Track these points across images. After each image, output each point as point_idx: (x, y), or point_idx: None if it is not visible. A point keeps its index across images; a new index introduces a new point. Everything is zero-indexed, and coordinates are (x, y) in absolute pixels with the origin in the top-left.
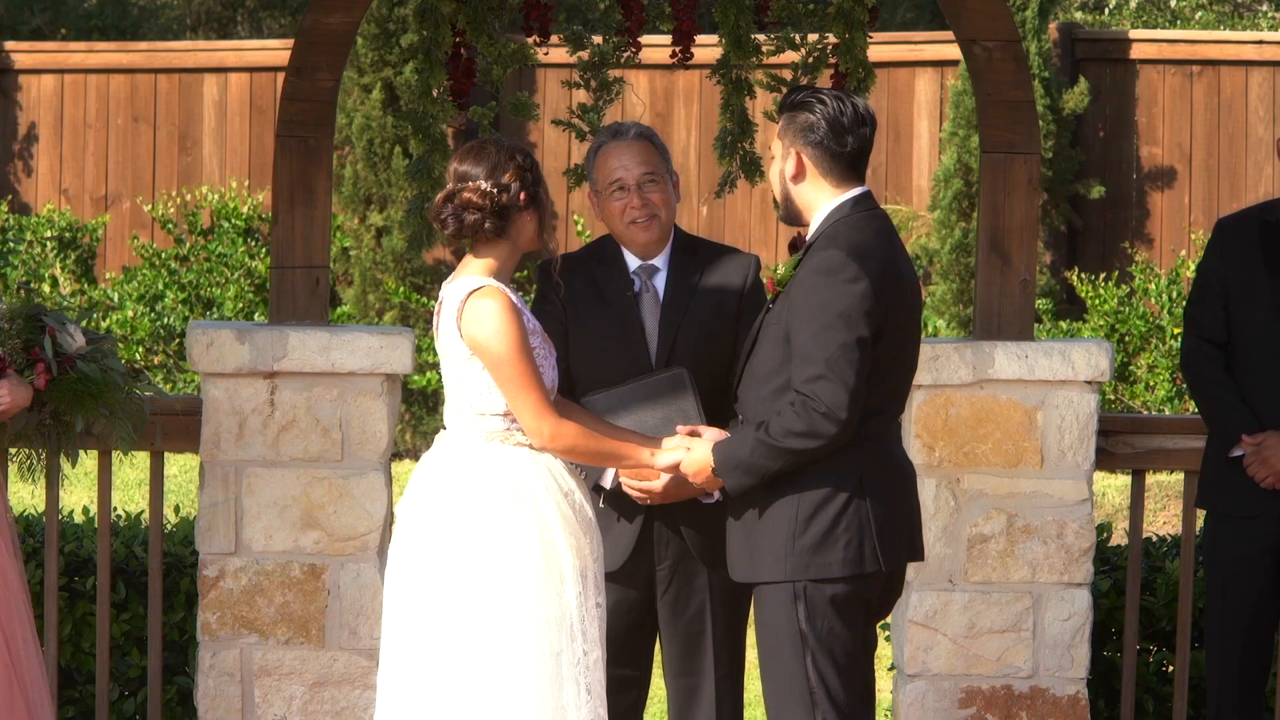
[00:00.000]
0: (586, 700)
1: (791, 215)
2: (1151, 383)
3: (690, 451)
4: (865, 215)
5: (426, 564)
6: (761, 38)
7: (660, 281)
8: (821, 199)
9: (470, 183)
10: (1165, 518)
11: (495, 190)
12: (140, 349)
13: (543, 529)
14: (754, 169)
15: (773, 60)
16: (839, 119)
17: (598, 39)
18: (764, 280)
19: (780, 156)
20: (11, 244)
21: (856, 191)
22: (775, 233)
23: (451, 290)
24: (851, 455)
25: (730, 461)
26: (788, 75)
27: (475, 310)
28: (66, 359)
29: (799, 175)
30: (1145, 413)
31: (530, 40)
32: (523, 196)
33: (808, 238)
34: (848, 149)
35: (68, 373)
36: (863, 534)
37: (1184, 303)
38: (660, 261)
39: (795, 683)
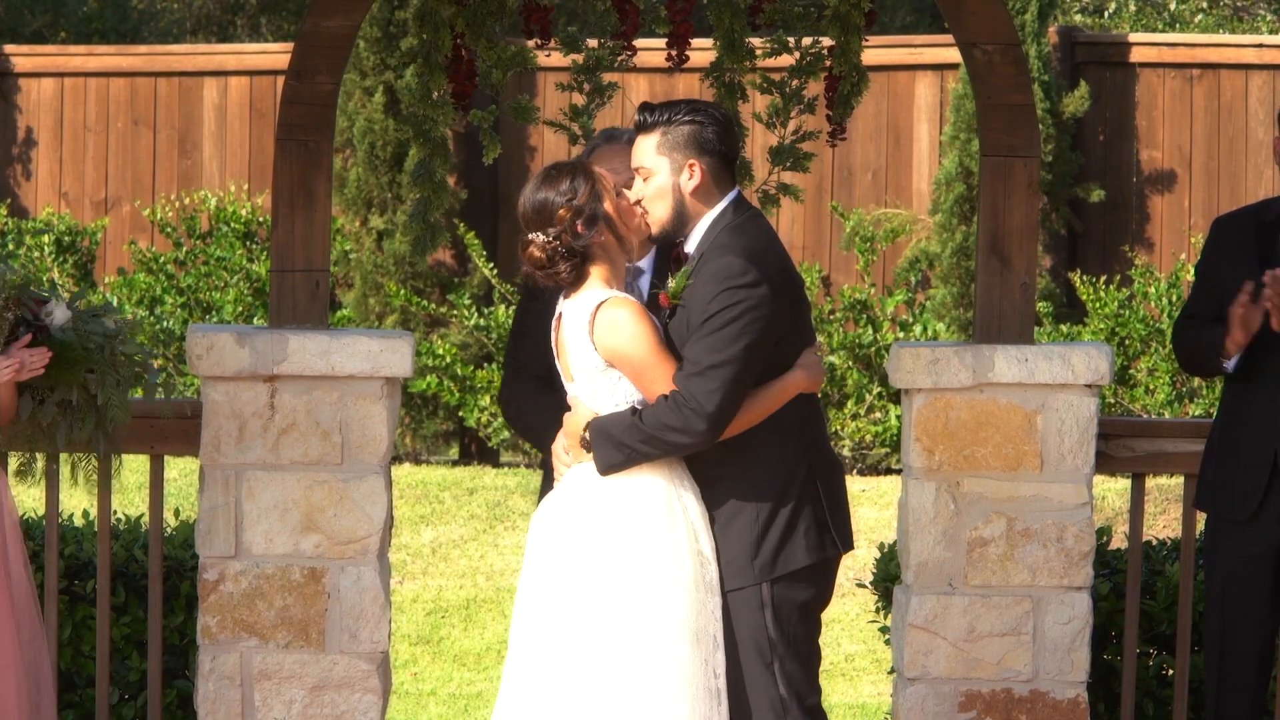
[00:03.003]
0: (720, 709)
1: (677, 230)
2: (1151, 386)
3: (568, 420)
4: (748, 219)
5: (578, 577)
6: (756, 41)
7: (645, 284)
8: (708, 207)
9: (535, 238)
10: (1165, 521)
11: (555, 239)
12: (141, 337)
13: (692, 539)
14: (744, 171)
15: (767, 64)
16: (726, 125)
17: (593, 42)
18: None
19: (670, 172)
20: (10, 247)
21: (733, 195)
22: None
23: (574, 305)
24: (798, 453)
25: (605, 432)
26: (781, 79)
27: (609, 319)
28: (42, 329)
29: (699, 187)
30: (1145, 416)
31: (530, 44)
32: (580, 228)
33: (690, 248)
34: (735, 153)
35: (38, 342)
36: (820, 524)
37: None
38: (645, 264)
39: (764, 690)
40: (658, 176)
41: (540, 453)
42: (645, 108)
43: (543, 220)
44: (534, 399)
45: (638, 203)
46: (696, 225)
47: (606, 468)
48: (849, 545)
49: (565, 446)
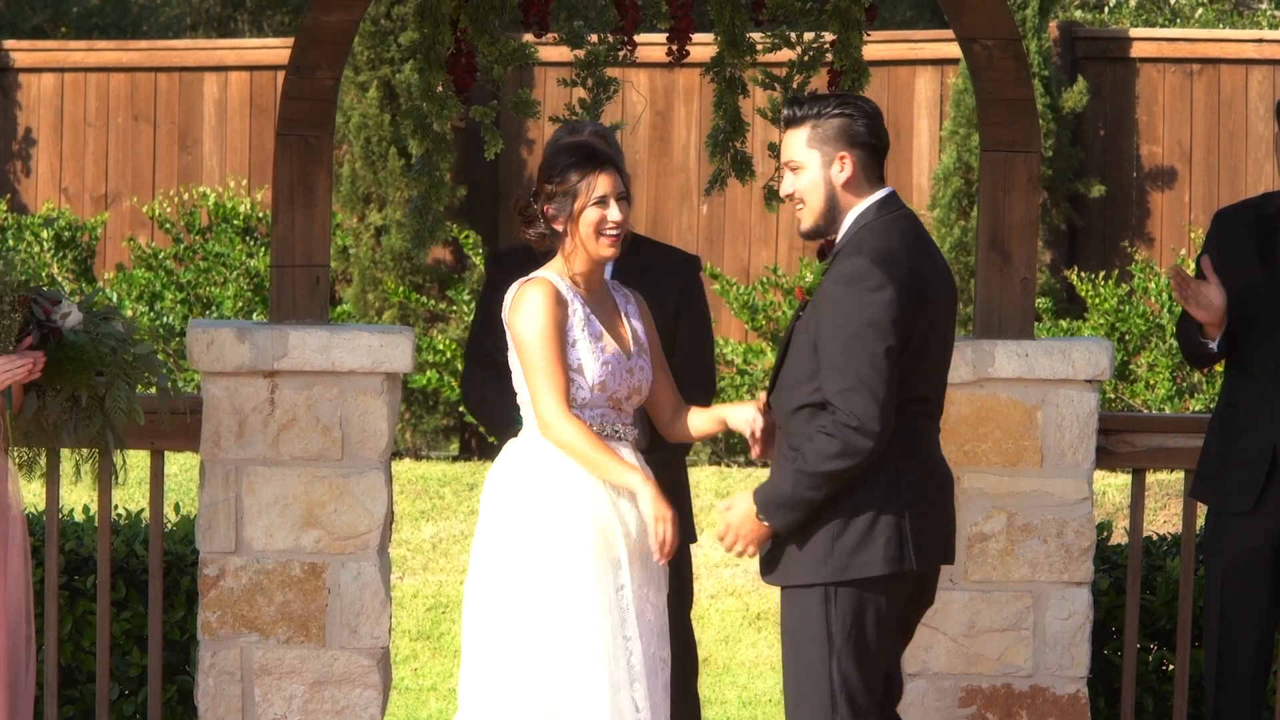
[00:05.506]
0: (633, 684)
1: (830, 224)
2: (1152, 381)
3: (731, 509)
4: (891, 219)
5: (493, 555)
6: (757, 36)
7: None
8: (857, 202)
9: (533, 180)
10: (1165, 516)
11: (529, 198)
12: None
13: (598, 513)
14: (745, 167)
15: (768, 58)
16: (876, 118)
17: (593, 37)
18: (794, 287)
19: (821, 165)
20: (10, 243)
21: (883, 193)
22: (775, 232)
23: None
24: (888, 459)
25: (774, 501)
26: (783, 73)
27: (516, 298)
28: (54, 331)
29: (850, 180)
30: (1145, 411)
31: (528, 37)
32: (544, 205)
33: (837, 242)
34: (885, 147)
35: (50, 342)
36: (901, 532)
37: None
38: None
39: (818, 684)
40: (809, 170)
41: (499, 441)
42: (794, 101)
43: (542, 172)
44: (496, 388)
45: (789, 197)
46: (845, 220)
47: (789, 529)
48: (939, 559)
49: (737, 539)
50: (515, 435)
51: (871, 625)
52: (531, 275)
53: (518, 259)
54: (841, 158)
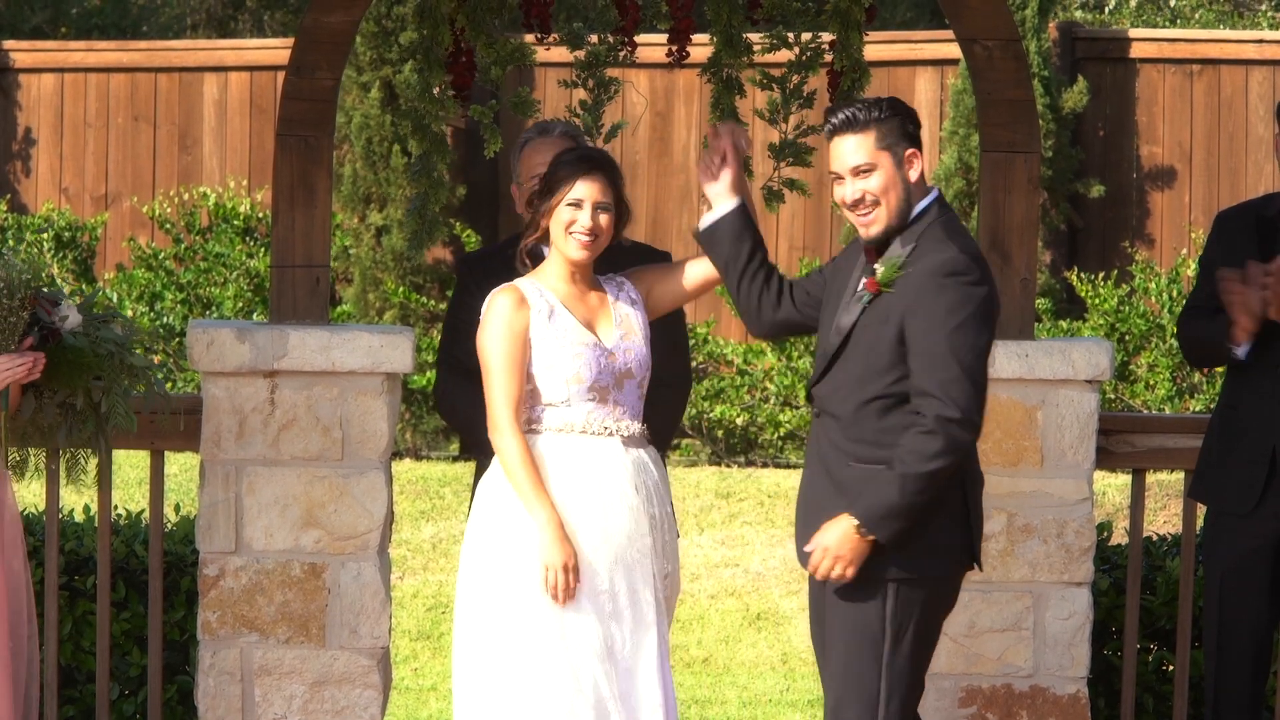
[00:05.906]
0: (615, 684)
1: (902, 223)
2: (1152, 382)
3: (825, 532)
4: (952, 217)
5: (477, 557)
6: (754, 36)
7: None
8: (919, 199)
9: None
10: (1165, 517)
11: (531, 197)
12: (140, 348)
13: (576, 519)
14: (743, 168)
15: (766, 59)
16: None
17: (593, 38)
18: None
19: (893, 164)
20: (11, 243)
21: (936, 191)
22: (775, 231)
23: None
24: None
25: (879, 512)
26: (781, 74)
27: (485, 308)
28: (53, 332)
29: (920, 177)
30: (1145, 412)
31: (529, 38)
32: (537, 203)
33: (901, 239)
34: None
35: (49, 344)
36: (970, 532)
37: (1185, 301)
38: None
39: (867, 683)
40: (883, 171)
41: (474, 446)
42: (848, 106)
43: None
44: (469, 394)
45: (857, 203)
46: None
47: (895, 539)
48: (979, 560)
49: (835, 561)
50: (487, 442)
51: (929, 624)
52: (510, 283)
53: (486, 263)
54: (911, 155)
